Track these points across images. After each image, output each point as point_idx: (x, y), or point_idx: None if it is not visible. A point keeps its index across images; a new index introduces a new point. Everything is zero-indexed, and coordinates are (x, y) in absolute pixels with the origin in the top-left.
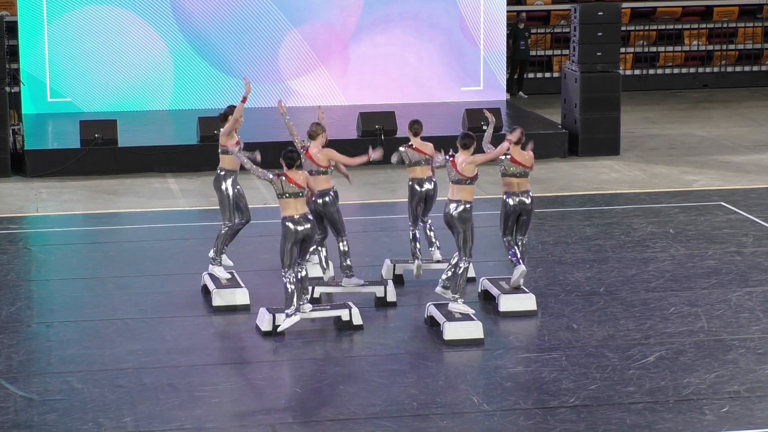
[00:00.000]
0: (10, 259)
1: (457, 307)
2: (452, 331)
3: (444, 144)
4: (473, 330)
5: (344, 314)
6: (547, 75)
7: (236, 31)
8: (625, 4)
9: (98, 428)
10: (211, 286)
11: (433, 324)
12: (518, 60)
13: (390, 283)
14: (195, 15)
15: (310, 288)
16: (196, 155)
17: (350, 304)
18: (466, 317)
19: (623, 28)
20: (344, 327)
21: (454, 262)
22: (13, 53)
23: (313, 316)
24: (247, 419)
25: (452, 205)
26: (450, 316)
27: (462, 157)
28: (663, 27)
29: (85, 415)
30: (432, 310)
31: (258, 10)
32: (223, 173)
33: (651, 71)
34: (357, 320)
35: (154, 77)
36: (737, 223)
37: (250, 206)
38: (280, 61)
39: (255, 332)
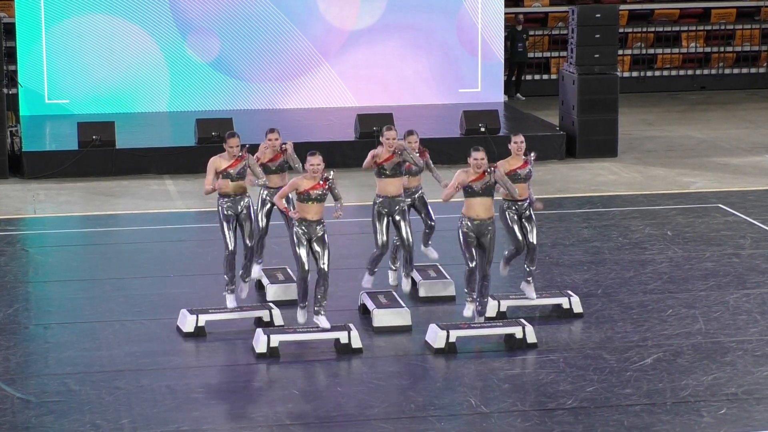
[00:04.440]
0: (7, 261)
1: None
2: (380, 318)
3: (442, 145)
4: (402, 317)
5: (343, 336)
6: (545, 77)
7: (234, 32)
8: (622, 6)
9: (96, 430)
10: (265, 281)
11: (365, 312)
12: (516, 62)
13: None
14: (193, 15)
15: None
16: (193, 157)
17: (350, 326)
18: (396, 304)
19: (621, 30)
20: (342, 350)
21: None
22: (11, 55)
23: (309, 338)
24: (244, 421)
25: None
26: (379, 304)
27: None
28: (661, 29)
29: (83, 417)
30: (364, 298)
31: (257, 12)
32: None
33: (649, 73)
34: (356, 343)
35: (152, 79)
36: (735, 225)
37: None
38: (277, 62)
39: (252, 333)
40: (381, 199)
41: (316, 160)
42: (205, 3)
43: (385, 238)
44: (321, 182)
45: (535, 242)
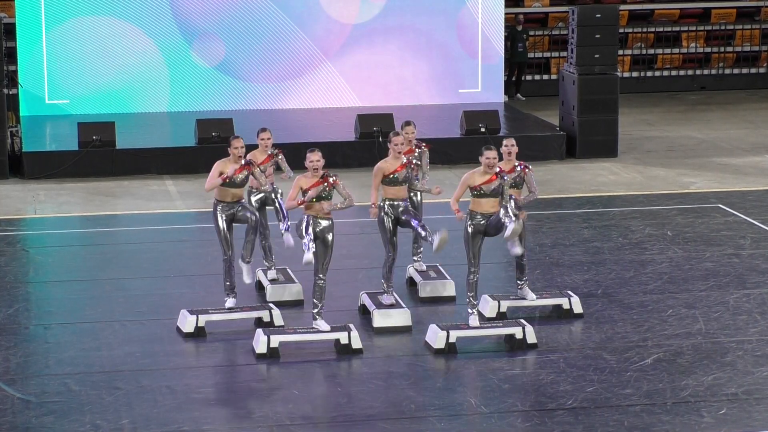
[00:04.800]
0: (7, 261)
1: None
2: (380, 318)
3: (442, 146)
4: (402, 318)
5: (343, 337)
6: (545, 77)
7: (234, 31)
8: (622, 6)
9: (96, 430)
10: (265, 281)
11: (365, 312)
12: (516, 62)
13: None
14: (193, 16)
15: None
16: (193, 157)
17: (350, 326)
18: (395, 305)
19: (621, 30)
20: (343, 351)
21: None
22: (11, 55)
23: (309, 338)
24: (244, 421)
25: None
26: (379, 304)
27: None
28: (661, 29)
29: (83, 417)
30: (364, 299)
31: (257, 12)
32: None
33: (649, 73)
34: (356, 344)
35: (152, 79)
36: (735, 226)
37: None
38: (277, 62)
39: (252, 334)
40: (388, 203)
41: (315, 157)
42: (205, 3)
43: (395, 238)
44: (321, 179)
45: (520, 252)
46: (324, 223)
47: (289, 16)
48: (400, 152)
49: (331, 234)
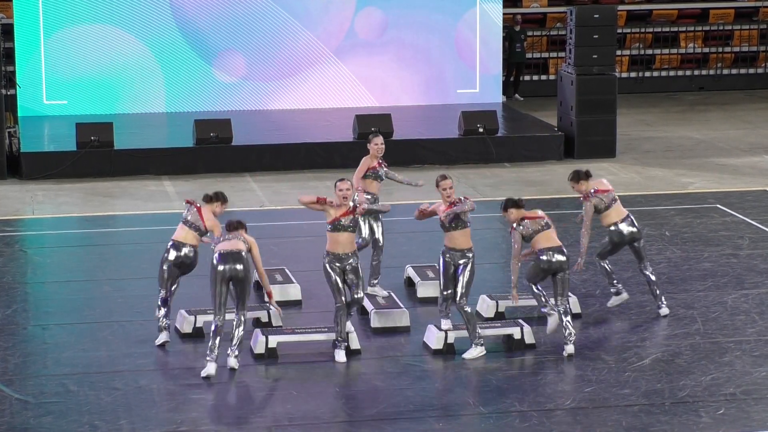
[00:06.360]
0: (6, 262)
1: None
2: (379, 318)
3: (441, 146)
4: (400, 318)
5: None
6: (543, 77)
7: (233, 31)
8: (621, 7)
9: (94, 431)
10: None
11: (363, 313)
12: (514, 62)
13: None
14: (193, 16)
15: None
16: (191, 157)
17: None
18: (394, 305)
19: (619, 31)
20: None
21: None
22: (9, 55)
23: (308, 339)
24: (243, 422)
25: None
26: (378, 305)
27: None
28: (659, 29)
29: (81, 418)
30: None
31: (256, 12)
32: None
33: (647, 74)
34: (355, 344)
35: (150, 79)
36: (733, 226)
37: (247, 209)
38: (276, 62)
39: (251, 334)
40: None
41: (345, 185)
42: (204, 3)
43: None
44: (350, 210)
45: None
46: (352, 260)
47: (287, 17)
48: (379, 153)
49: (359, 267)
